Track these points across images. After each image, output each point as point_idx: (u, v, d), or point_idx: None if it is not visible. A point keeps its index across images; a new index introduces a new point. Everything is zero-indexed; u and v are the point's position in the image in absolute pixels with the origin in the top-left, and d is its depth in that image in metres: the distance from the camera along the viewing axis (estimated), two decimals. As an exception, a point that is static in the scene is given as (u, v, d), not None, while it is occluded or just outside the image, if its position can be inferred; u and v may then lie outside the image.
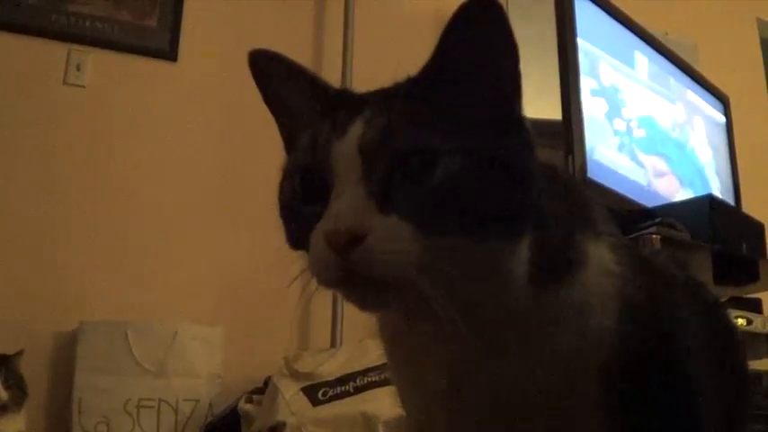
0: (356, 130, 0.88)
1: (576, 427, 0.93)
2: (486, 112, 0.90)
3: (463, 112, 0.89)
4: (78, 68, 3.43)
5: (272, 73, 1.02)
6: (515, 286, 0.91)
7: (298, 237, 0.92)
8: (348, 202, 0.84)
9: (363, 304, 0.91)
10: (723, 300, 2.55)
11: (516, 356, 0.92)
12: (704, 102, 3.63)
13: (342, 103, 0.95)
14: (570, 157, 2.54)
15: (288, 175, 0.96)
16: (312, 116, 0.95)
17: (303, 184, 0.92)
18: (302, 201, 0.92)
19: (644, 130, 3.08)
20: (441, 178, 0.84)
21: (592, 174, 2.57)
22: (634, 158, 2.97)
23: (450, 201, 0.84)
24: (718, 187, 3.56)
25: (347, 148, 0.87)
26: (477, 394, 0.95)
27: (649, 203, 2.90)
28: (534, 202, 0.90)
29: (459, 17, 0.89)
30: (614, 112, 2.89)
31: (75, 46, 3.46)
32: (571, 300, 0.93)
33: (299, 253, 0.92)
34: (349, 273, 0.82)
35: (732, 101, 3.89)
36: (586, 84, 2.71)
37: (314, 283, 0.89)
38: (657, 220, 2.60)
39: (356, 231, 0.82)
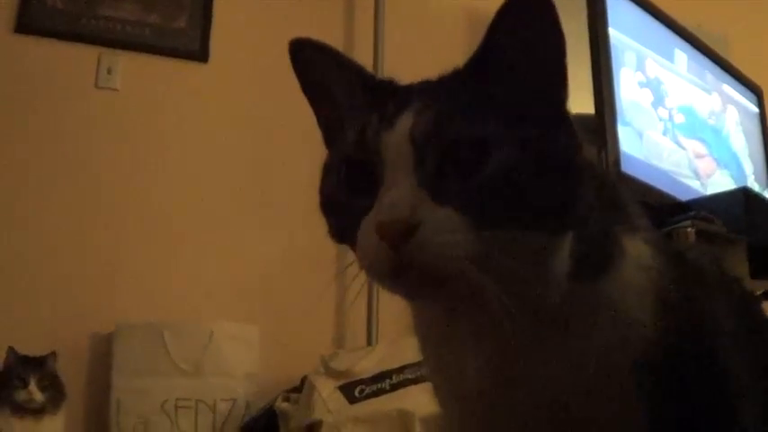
0: (406, 120, 0.87)
1: (614, 421, 0.93)
2: (534, 105, 0.89)
3: (512, 104, 0.88)
4: (109, 72, 3.45)
5: (315, 62, 1.01)
6: (557, 280, 0.91)
7: (343, 230, 0.91)
8: (400, 192, 0.84)
9: (414, 296, 0.91)
10: (758, 293, 2.53)
11: (555, 351, 0.92)
12: (738, 93, 3.62)
13: (389, 95, 0.94)
14: (603, 152, 2.53)
15: (333, 167, 0.95)
16: (357, 107, 0.95)
17: (349, 176, 0.91)
18: (349, 193, 0.91)
19: (684, 117, 3.09)
20: (493, 169, 0.84)
21: (625, 168, 2.56)
22: (676, 141, 2.99)
23: (501, 192, 0.84)
24: (752, 172, 3.55)
25: (398, 138, 0.86)
26: (516, 390, 0.94)
27: (683, 197, 2.89)
28: (581, 196, 0.89)
29: (508, 8, 0.89)
30: (658, 101, 2.92)
31: (105, 49, 3.48)
32: (609, 294, 0.93)
33: (343, 247, 0.92)
34: (401, 264, 0.82)
35: (765, 92, 3.87)
36: (635, 77, 2.76)
37: (362, 276, 0.88)
38: (692, 213, 2.58)
39: (409, 222, 0.81)
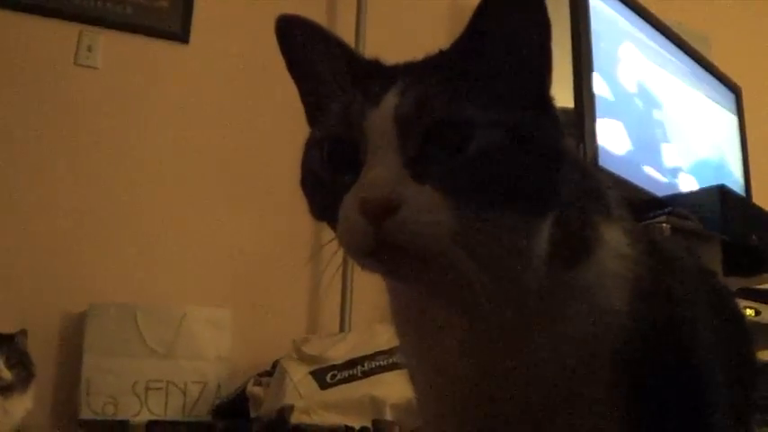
0: (391, 99, 0.87)
1: (591, 408, 0.93)
2: (519, 89, 0.89)
3: (496, 86, 0.88)
4: (90, 49, 3.43)
5: (301, 39, 1.00)
6: (535, 264, 0.91)
7: (324, 207, 0.91)
8: (383, 170, 0.84)
9: (393, 274, 0.91)
10: (732, 290, 2.55)
11: (533, 336, 0.92)
12: (716, 92, 3.63)
13: (374, 73, 0.95)
14: (582, 146, 2.54)
15: (315, 144, 0.94)
16: (342, 84, 0.94)
17: (332, 154, 0.91)
18: (331, 170, 0.91)
19: (662, 113, 3.10)
20: (476, 151, 0.84)
21: (603, 162, 2.57)
22: (653, 138, 3.00)
23: (484, 174, 0.84)
24: (728, 177, 3.56)
25: (382, 117, 0.86)
26: (493, 374, 0.94)
27: (660, 193, 2.90)
28: (563, 180, 0.90)
29: None
30: (641, 98, 2.95)
31: (86, 27, 3.45)
32: (586, 281, 0.93)
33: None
34: (382, 242, 0.82)
35: (744, 92, 3.89)
36: (615, 72, 2.77)
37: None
38: (668, 209, 2.59)
39: (392, 200, 0.81)
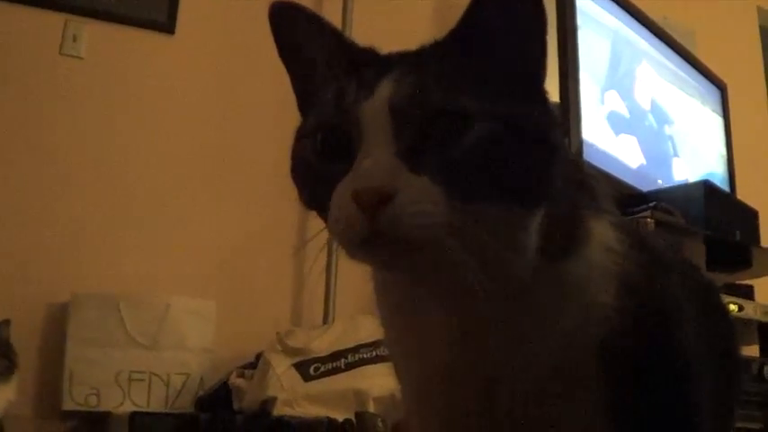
0: (386, 88, 0.86)
1: (576, 400, 0.94)
2: (514, 80, 0.89)
3: (492, 77, 0.88)
4: (75, 39, 3.41)
5: (294, 25, 0.99)
6: (526, 257, 0.91)
7: (315, 196, 0.90)
8: (378, 160, 0.83)
9: (385, 265, 0.91)
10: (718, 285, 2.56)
11: (519, 328, 0.93)
12: (701, 88, 3.65)
13: (368, 62, 0.94)
14: (566, 140, 2.55)
15: (308, 132, 0.93)
16: (336, 73, 0.93)
17: (325, 142, 0.90)
18: (323, 158, 0.90)
19: (648, 107, 3.11)
20: (471, 142, 0.84)
21: (588, 157, 2.58)
22: (634, 132, 3.02)
23: (479, 165, 0.84)
24: (712, 172, 3.58)
25: (377, 106, 0.85)
26: (480, 366, 0.94)
27: (644, 188, 2.91)
28: (555, 174, 0.90)
29: None
30: (622, 92, 2.95)
31: (71, 16, 3.43)
32: (574, 274, 0.94)
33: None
34: (374, 232, 0.81)
35: (729, 88, 3.90)
36: (600, 67, 2.78)
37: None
38: (652, 204, 2.60)
39: (386, 190, 0.80)
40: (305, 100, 1.00)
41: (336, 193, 0.85)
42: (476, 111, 0.85)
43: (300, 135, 0.95)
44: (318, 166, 0.90)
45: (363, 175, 0.83)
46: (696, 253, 2.74)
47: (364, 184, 0.82)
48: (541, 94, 0.94)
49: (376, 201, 0.80)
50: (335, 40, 0.99)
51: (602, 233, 0.97)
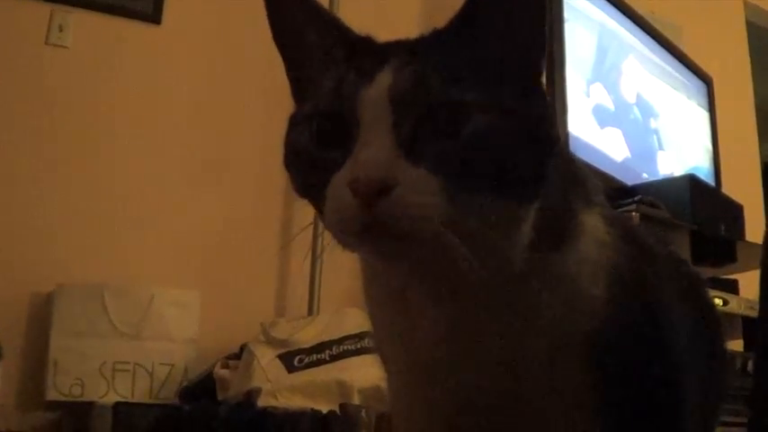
0: (385, 78, 0.86)
1: (565, 393, 0.94)
2: (513, 72, 0.89)
3: (491, 68, 0.88)
4: (61, 29, 3.39)
5: (291, 9, 0.98)
6: (519, 249, 0.91)
7: (310, 185, 0.90)
8: (377, 150, 0.83)
9: (381, 255, 0.90)
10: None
11: (510, 320, 0.93)
12: (687, 82, 3.66)
13: (366, 50, 0.94)
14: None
15: (303, 119, 0.92)
16: (333, 60, 0.93)
17: (321, 130, 0.89)
18: (319, 147, 0.89)
19: (634, 101, 3.12)
20: (471, 133, 0.84)
21: (572, 150, 2.59)
22: (618, 126, 3.02)
23: (477, 157, 0.83)
24: (697, 166, 3.59)
25: (376, 95, 0.85)
26: (470, 357, 0.94)
27: (628, 181, 2.92)
28: (551, 167, 0.90)
29: None
30: (608, 86, 2.95)
31: (57, 6, 3.41)
32: (565, 266, 0.94)
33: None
34: (371, 222, 0.81)
35: (715, 83, 3.91)
36: (587, 60, 2.78)
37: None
38: (637, 197, 2.61)
39: (386, 181, 0.80)
40: (300, 86, 0.99)
41: (334, 182, 0.84)
42: (475, 102, 0.85)
43: (295, 122, 0.94)
44: (314, 153, 0.90)
45: (363, 165, 0.82)
46: (681, 247, 2.75)
47: (364, 174, 0.81)
48: (539, 85, 0.94)
49: (375, 191, 0.80)
50: (333, 27, 0.98)
51: (595, 226, 0.98)
